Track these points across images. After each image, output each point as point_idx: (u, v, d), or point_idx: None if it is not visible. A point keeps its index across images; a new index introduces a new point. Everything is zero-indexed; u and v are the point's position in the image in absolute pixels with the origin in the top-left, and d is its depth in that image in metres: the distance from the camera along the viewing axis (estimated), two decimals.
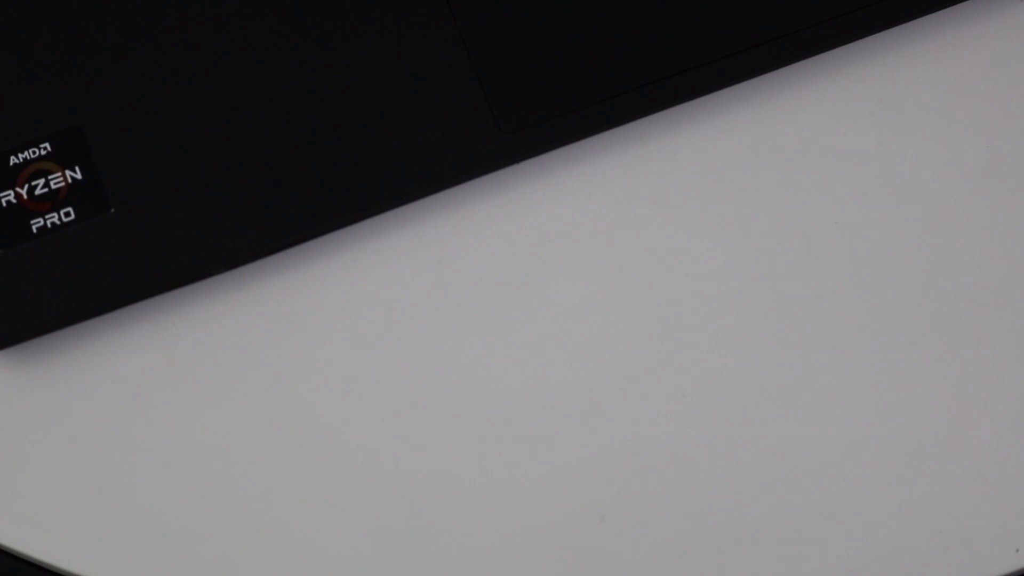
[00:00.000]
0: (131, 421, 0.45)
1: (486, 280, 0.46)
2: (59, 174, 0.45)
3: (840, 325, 0.46)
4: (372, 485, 0.45)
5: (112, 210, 0.44)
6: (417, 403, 0.45)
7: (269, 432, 0.45)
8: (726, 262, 0.47)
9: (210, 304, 0.46)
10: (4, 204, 0.44)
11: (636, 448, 0.46)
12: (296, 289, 0.46)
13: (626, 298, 0.46)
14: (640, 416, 0.46)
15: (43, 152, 0.45)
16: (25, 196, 0.44)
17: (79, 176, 0.45)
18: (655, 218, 0.47)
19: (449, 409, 0.45)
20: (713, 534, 0.45)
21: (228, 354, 0.46)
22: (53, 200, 0.44)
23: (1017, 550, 0.45)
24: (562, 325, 0.46)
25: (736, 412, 0.46)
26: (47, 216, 0.44)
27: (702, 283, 0.46)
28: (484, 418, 0.46)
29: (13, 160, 0.45)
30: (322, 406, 0.45)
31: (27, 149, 0.45)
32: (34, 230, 0.44)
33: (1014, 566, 0.45)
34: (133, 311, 0.45)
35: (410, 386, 0.46)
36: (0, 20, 0.45)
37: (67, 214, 0.44)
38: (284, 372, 0.46)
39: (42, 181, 0.44)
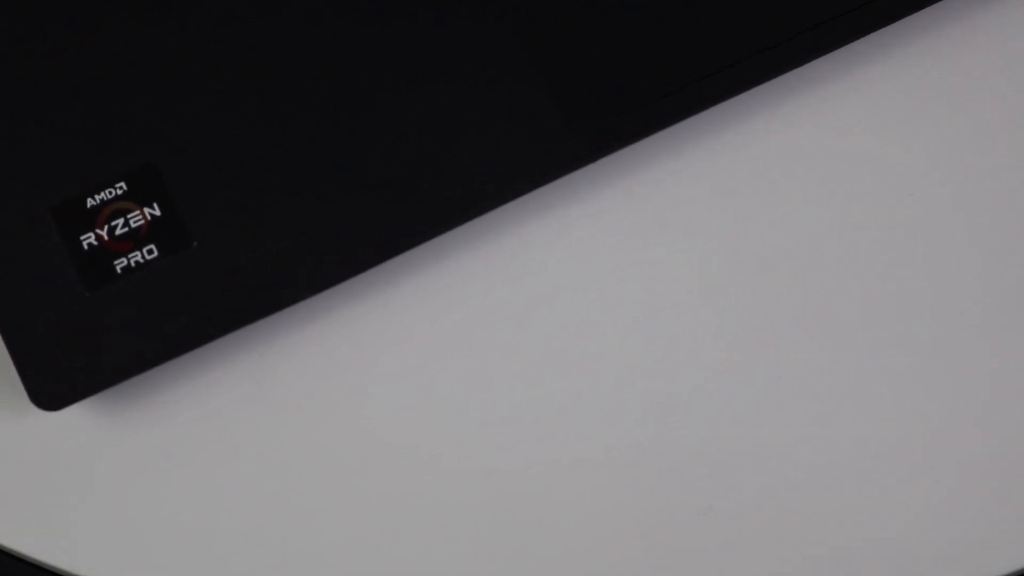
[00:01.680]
0: (230, 451, 0.45)
1: (573, 278, 0.46)
2: (138, 212, 0.44)
3: (940, 312, 0.46)
4: (482, 489, 0.45)
5: (195, 243, 0.44)
6: (517, 407, 0.45)
7: (368, 450, 0.45)
8: (809, 248, 0.46)
9: (297, 329, 0.46)
10: (86, 247, 0.44)
11: (738, 437, 0.45)
12: (383, 307, 0.46)
13: (711, 287, 0.46)
14: (738, 404, 0.46)
15: (119, 192, 0.44)
16: (106, 237, 0.44)
17: (158, 212, 0.44)
18: (730, 208, 0.47)
19: (553, 408, 0.45)
20: (818, 521, 0.45)
21: (319, 376, 0.46)
22: (135, 239, 0.44)
23: None
24: (654, 317, 0.46)
25: (833, 396, 0.46)
26: (130, 255, 0.44)
27: (789, 271, 0.46)
28: (588, 416, 0.45)
29: (91, 202, 0.44)
30: (420, 421, 0.45)
31: (103, 190, 0.44)
32: (119, 270, 0.44)
33: (1014, 566, 0.45)
34: (221, 342, 0.45)
35: (504, 393, 0.45)
36: (64, 68, 0.45)
37: (150, 251, 0.44)
38: (378, 389, 0.45)
39: (121, 221, 0.44)
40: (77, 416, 0.45)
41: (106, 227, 0.44)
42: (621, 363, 0.46)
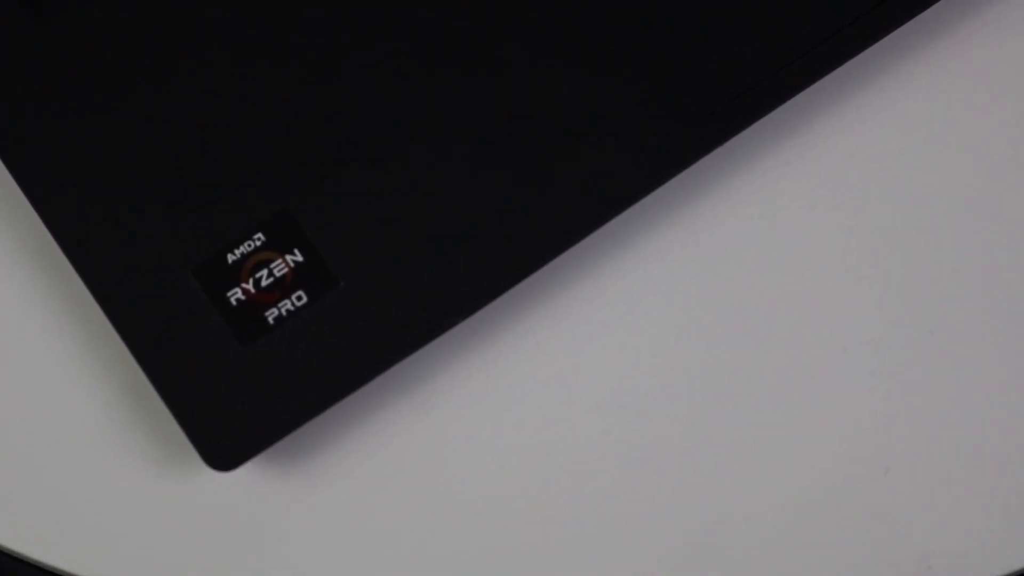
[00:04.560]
0: (405, 486, 0.45)
1: (722, 268, 0.46)
2: (280, 260, 0.44)
3: None
4: (661, 484, 0.45)
5: (341, 283, 0.44)
6: (691, 394, 0.45)
7: (538, 463, 0.45)
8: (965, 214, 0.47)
9: (452, 353, 0.45)
10: (235, 302, 0.44)
11: (912, 397, 0.45)
12: (538, 318, 0.45)
13: (861, 249, 0.46)
14: (901, 363, 0.46)
15: (258, 243, 0.44)
16: (253, 290, 0.44)
17: (300, 258, 0.44)
18: (861, 173, 0.47)
19: (726, 387, 0.45)
20: (997, 479, 0.45)
21: (481, 397, 0.45)
22: (281, 288, 0.44)
23: None
24: (810, 286, 0.46)
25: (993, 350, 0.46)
26: (280, 304, 0.44)
27: (944, 225, 0.46)
28: (765, 386, 0.45)
29: (231, 257, 0.44)
30: (590, 427, 0.45)
31: (241, 244, 0.44)
32: (271, 321, 0.44)
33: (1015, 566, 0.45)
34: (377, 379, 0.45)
35: (675, 385, 0.45)
36: (185, 132, 0.44)
37: (299, 298, 0.44)
38: (539, 400, 0.45)
39: (265, 272, 0.44)
40: (245, 474, 0.45)
41: (251, 280, 0.44)
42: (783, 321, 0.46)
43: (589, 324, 0.46)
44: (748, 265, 0.46)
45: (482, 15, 0.45)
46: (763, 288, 0.46)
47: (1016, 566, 0.45)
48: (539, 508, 0.44)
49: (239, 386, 0.43)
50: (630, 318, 0.46)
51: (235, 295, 0.44)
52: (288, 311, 0.44)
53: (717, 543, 0.45)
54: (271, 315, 0.44)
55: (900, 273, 0.46)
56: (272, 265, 0.44)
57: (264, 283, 0.44)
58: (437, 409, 0.45)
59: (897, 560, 0.45)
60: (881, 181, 0.47)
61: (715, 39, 0.45)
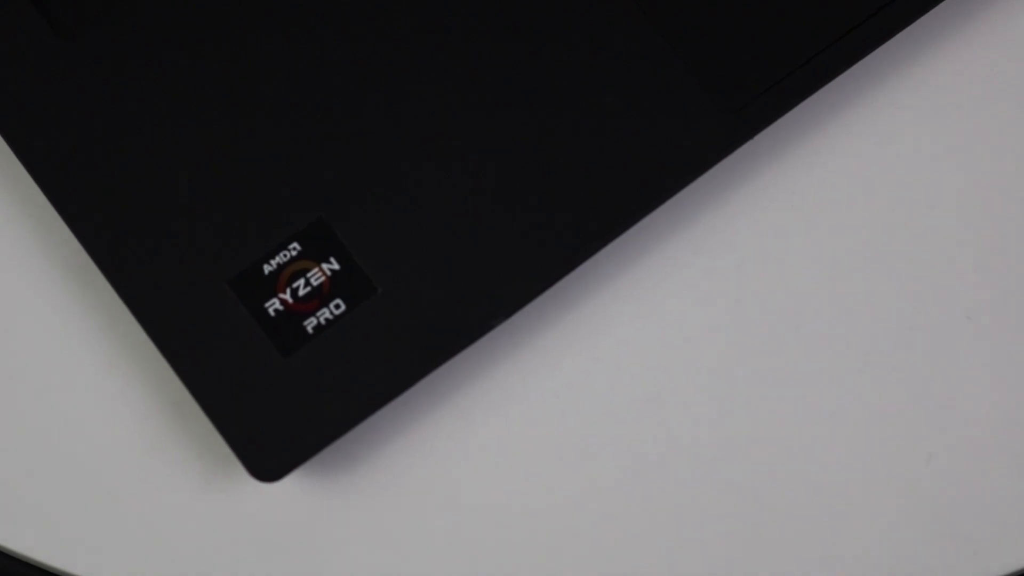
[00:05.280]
0: (450, 493, 0.45)
1: (774, 253, 0.46)
2: (316, 269, 0.44)
3: None
4: (720, 474, 0.45)
5: (379, 289, 0.44)
6: (732, 385, 0.45)
7: (584, 464, 0.45)
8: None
9: (490, 358, 0.45)
10: (273, 313, 0.43)
11: (954, 384, 0.45)
12: (577, 317, 0.45)
13: (909, 228, 0.46)
14: (939, 348, 0.46)
15: (294, 253, 0.44)
16: (291, 300, 0.44)
17: (336, 266, 0.44)
18: (897, 155, 0.47)
19: (767, 376, 0.45)
20: None
21: (521, 401, 0.45)
22: (319, 296, 0.44)
23: None
24: (849, 268, 0.46)
25: None
26: (318, 313, 0.44)
27: (979, 207, 0.46)
28: (806, 376, 0.45)
29: (267, 268, 0.44)
30: (634, 425, 0.45)
31: (277, 254, 0.44)
32: (310, 330, 0.43)
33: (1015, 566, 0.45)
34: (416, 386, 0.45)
35: (715, 378, 0.45)
36: (216, 145, 0.44)
37: (337, 306, 0.44)
38: (580, 401, 0.45)
39: (302, 281, 0.44)
40: (290, 485, 0.44)
41: (288, 290, 0.44)
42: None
43: (631, 321, 0.45)
44: (783, 256, 0.46)
45: (512, 20, 0.45)
46: (800, 277, 0.46)
47: None
48: (589, 511, 0.44)
49: (281, 396, 0.43)
50: (673, 313, 0.46)
51: (273, 306, 0.44)
52: (327, 320, 0.44)
53: (762, 532, 0.44)
54: (310, 324, 0.44)
55: (935, 258, 0.46)
56: (309, 274, 0.44)
57: (301, 293, 0.44)
58: (476, 415, 0.45)
59: (942, 545, 0.45)
60: (914, 166, 0.47)
61: (749, 28, 0.45)
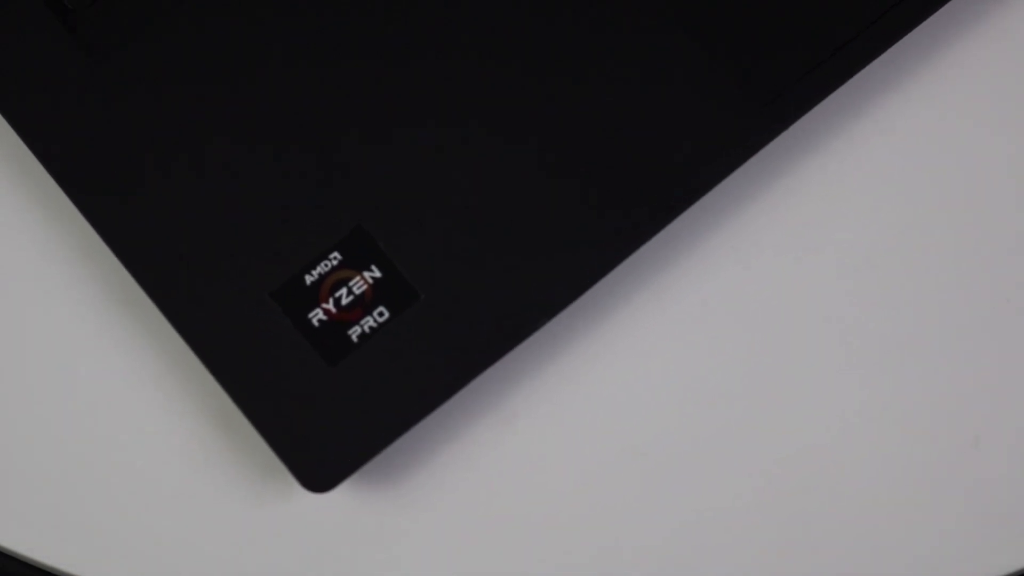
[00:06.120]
0: (500, 499, 0.45)
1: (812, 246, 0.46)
2: (358, 278, 0.44)
3: None
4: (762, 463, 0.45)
5: (422, 296, 0.44)
6: (785, 376, 0.45)
7: (633, 465, 0.45)
8: None
9: (535, 362, 0.45)
10: (317, 323, 0.44)
11: (998, 365, 0.45)
12: (621, 318, 0.45)
13: (946, 213, 0.46)
14: (982, 331, 0.46)
15: (335, 263, 0.44)
16: (334, 310, 0.44)
17: (378, 274, 0.44)
18: (925, 154, 0.47)
19: (823, 366, 0.45)
20: None
21: (568, 404, 0.45)
22: (362, 305, 0.44)
23: None
24: (886, 254, 0.46)
25: None
26: (363, 322, 0.44)
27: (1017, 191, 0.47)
28: (857, 363, 0.45)
29: (309, 279, 0.44)
30: (684, 425, 0.45)
31: (318, 264, 0.44)
32: (355, 339, 0.43)
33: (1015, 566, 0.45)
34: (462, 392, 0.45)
35: (758, 374, 0.45)
36: (251, 157, 0.44)
37: (381, 314, 0.44)
38: (627, 402, 0.45)
39: (345, 290, 0.44)
40: (340, 495, 0.44)
41: (331, 299, 0.44)
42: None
43: (679, 321, 0.46)
44: (823, 246, 0.46)
45: (550, 20, 0.45)
46: (837, 268, 0.46)
47: None
48: (640, 512, 0.44)
49: (329, 406, 0.43)
50: (717, 309, 0.46)
51: (316, 316, 0.44)
52: (371, 328, 0.44)
53: (812, 523, 0.45)
54: (354, 333, 0.44)
55: (973, 242, 0.46)
56: (351, 283, 0.44)
57: (344, 302, 0.44)
58: (524, 419, 0.45)
59: (992, 528, 0.45)
60: (950, 152, 0.47)
61: (776, 24, 0.45)
